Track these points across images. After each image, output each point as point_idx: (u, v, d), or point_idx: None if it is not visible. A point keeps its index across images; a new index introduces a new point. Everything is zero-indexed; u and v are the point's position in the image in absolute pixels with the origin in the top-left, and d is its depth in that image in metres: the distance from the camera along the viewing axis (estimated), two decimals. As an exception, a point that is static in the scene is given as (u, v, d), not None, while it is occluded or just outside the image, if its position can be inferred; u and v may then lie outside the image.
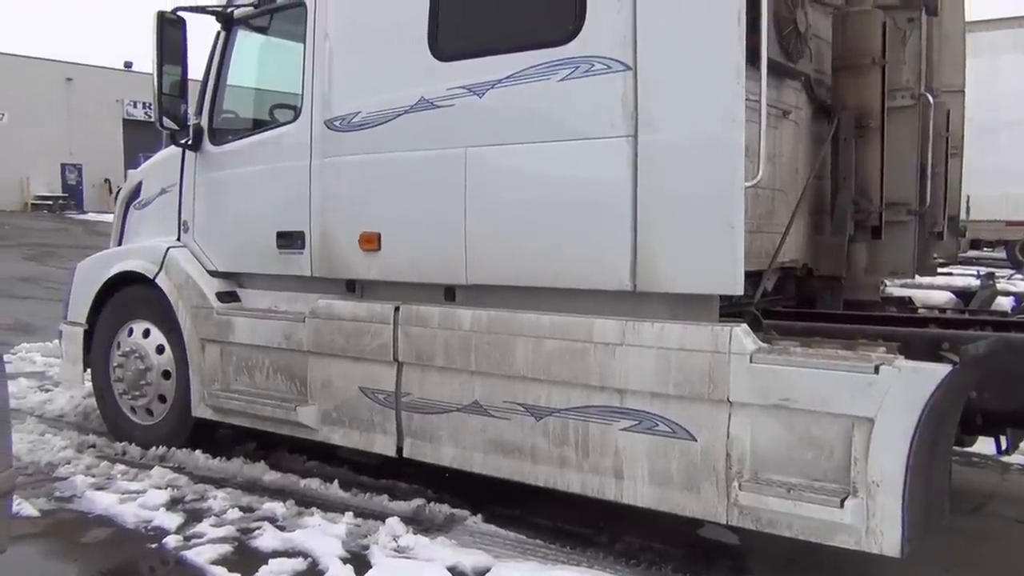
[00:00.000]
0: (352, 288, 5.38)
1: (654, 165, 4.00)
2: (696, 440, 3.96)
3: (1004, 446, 4.66)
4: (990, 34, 11.18)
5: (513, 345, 4.47)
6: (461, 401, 4.73)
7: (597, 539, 4.76)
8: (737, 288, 3.85)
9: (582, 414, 4.30)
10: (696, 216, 3.92)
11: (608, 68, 4.07)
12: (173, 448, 6.17)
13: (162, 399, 6.26)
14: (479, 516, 4.92)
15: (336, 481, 5.52)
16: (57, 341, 7.31)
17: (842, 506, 3.55)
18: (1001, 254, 22.25)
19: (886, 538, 3.53)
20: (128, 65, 40.74)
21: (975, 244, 16.81)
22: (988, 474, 6.10)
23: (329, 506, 5.14)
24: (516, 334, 4.47)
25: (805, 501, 3.64)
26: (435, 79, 4.70)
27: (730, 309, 4.18)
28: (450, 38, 4.70)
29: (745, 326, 3.89)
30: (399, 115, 4.83)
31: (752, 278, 4.16)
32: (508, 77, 4.39)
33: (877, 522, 3.53)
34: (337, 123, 5.14)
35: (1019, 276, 12.89)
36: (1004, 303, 8.42)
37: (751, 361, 3.78)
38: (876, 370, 3.51)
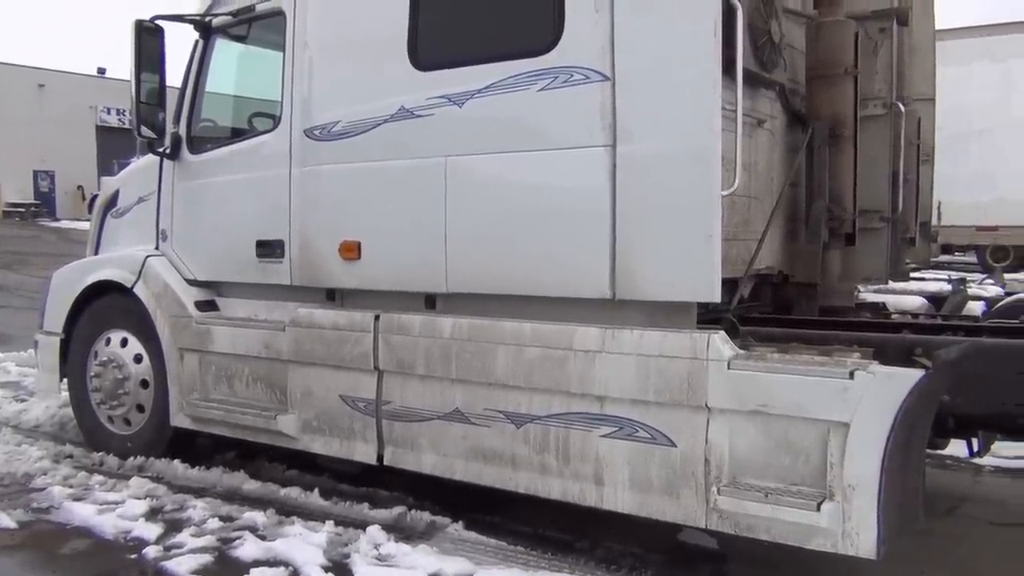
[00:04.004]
0: (332, 297, 5.39)
1: (632, 174, 4.05)
2: (676, 446, 4.00)
3: (976, 449, 4.75)
4: (959, 43, 11.36)
5: (494, 353, 4.50)
6: (442, 409, 4.75)
7: (578, 545, 4.79)
8: (715, 296, 3.91)
9: (563, 421, 4.33)
10: (674, 225, 3.97)
11: (587, 78, 4.11)
12: (151, 458, 6.14)
13: (140, 409, 6.22)
14: (460, 523, 4.93)
15: (316, 490, 5.52)
16: (32, 351, 7.25)
17: (819, 510, 3.60)
18: (972, 259, 22.60)
19: (862, 540, 3.58)
20: (101, 71, 40.41)
21: (946, 249, 17.03)
22: (961, 476, 6.20)
23: (310, 515, 5.13)
24: (497, 342, 4.50)
25: (783, 505, 3.69)
26: (415, 89, 4.72)
27: (707, 316, 4.23)
28: (430, 48, 4.73)
29: (723, 333, 3.94)
30: (379, 124, 4.86)
31: (728, 285, 4.21)
32: (488, 87, 4.43)
33: (853, 525, 3.59)
34: (317, 132, 5.16)
35: (990, 281, 13.09)
36: (975, 308, 8.56)
37: (729, 367, 3.83)
38: (851, 375, 3.57)
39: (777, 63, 5.05)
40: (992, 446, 4.84)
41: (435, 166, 4.66)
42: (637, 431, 4.11)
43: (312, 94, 5.22)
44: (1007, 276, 14.29)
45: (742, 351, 3.93)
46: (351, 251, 5.05)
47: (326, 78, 5.19)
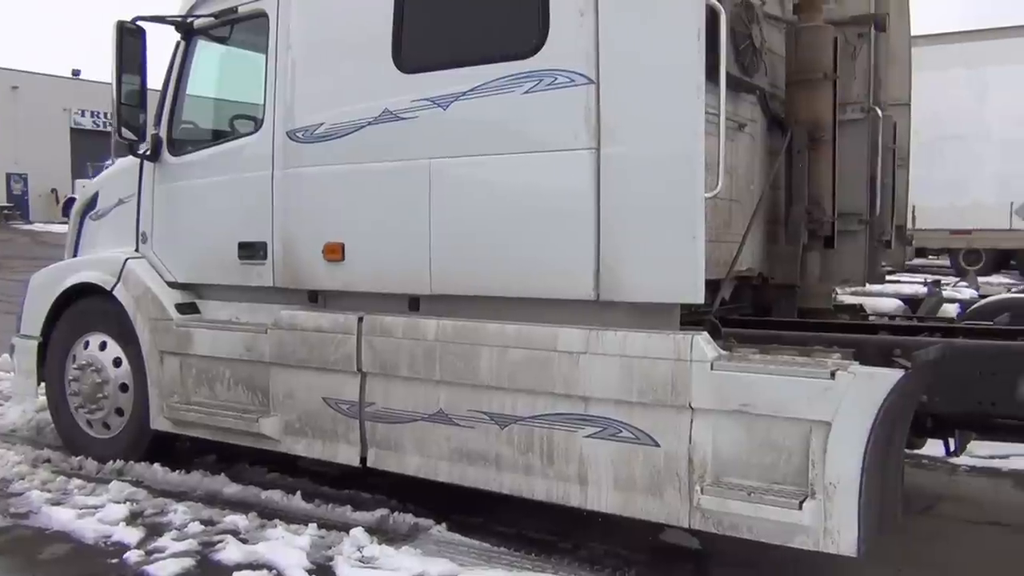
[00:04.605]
0: (315, 299, 5.38)
1: (616, 177, 4.08)
2: (659, 446, 4.03)
3: (952, 448, 4.83)
4: (935, 49, 11.52)
5: (478, 354, 4.51)
6: (426, 410, 4.76)
7: (561, 545, 4.81)
8: (699, 297, 3.95)
9: (547, 422, 4.35)
10: (658, 227, 4.01)
11: (571, 81, 4.14)
12: (131, 462, 6.09)
13: (119, 412, 6.18)
14: (444, 525, 4.93)
15: (298, 492, 5.50)
16: (8, 355, 7.17)
17: (801, 508, 3.64)
18: (945, 262, 22.88)
19: (843, 538, 3.63)
20: (76, 73, 40.06)
21: (920, 252, 17.23)
22: (937, 475, 6.28)
23: (292, 518, 5.12)
24: (481, 343, 4.51)
25: (765, 504, 3.73)
26: (399, 91, 4.73)
27: (689, 317, 4.27)
28: (414, 51, 4.74)
29: (706, 334, 3.98)
30: (363, 127, 4.86)
31: (710, 287, 4.25)
32: (472, 89, 4.45)
33: (834, 523, 3.63)
34: (300, 134, 5.15)
35: (963, 283, 13.28)
36: (950, 310, 8.69)
37: (712, 368, 3.87)
38: (832, 376, 3.62)
39: (758, 68, 5.11)
40: (968, 445, 4.92)
41: (419, 168, 4.67)
42: (621, 431, 4.13)
43: (295, 96, 5.21)
44: (980, 279, 14.51)
45: (725, 352, 3.98)
46: (335, 253, 5.05)
47: (309, 80, 5.18)
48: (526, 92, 4.28)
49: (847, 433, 3.58)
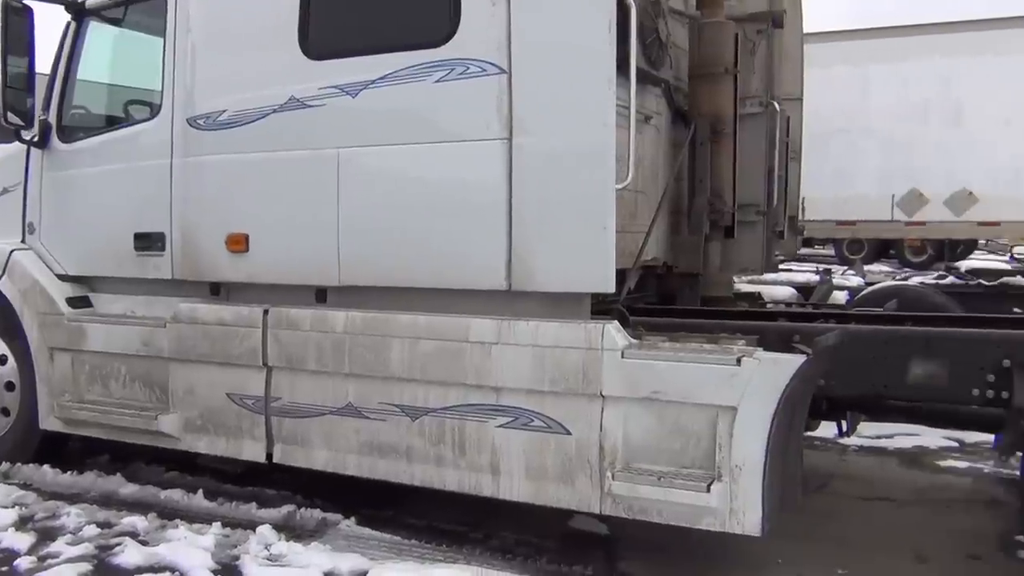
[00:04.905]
0: (216, 291, 5.22)
1: (528, 167, 4.09)
2: (571, 434, 4.08)
3: (844, 429, 5.05)
4: (822, 46, 11.96)
5: (388, 346, 4.47)
6: (335, 404, 4.69)
7: (473, 536, 4.83)
8: (609, 286, 4.00)
9: (458, 413, 4.35)
10: (569, 217, 4.04)
11: (483, 71, 4.13)
12: (18, 464, 5.82)
13: (5, 412, 5.89)
14: (352, 519, 4.88)
15: (200, 491, 5.35)
16: None
17: (708, 491, 3.74)
18: (830, 251, 23.86)
19: (748, 519, 3.75)
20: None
21: (807, 242, 17.94)
22: (830, 456, 6.56)
23: (194, 517, 4.98)
24: (392, 335, 4.47)
25: (675, 488, 3.83)
26: (306, 78, 4.62)
27: (598, 307, 4.32)
28: (322, 36, 4.63)
29: (616, 323, 4.04)
30: (268, 114, 4.73)
31: (617, 276, 4.30)
32: (383, 78, 4.38)
33: (740, 504, 3.75)
34: (201, 121, 4.98)
35: (851, 272, 13.89)
36: (839, 297, 9.09)
37: (623, 356, 3.93)
38: (739, 362, 3.73)
39: (664, 61, 5.21)
40: (859, 426, 5.15)
41: (328, 158, 4.57)
42: (533, 421, 4.17)
43: (196, 82, 5.03)
44: (865, 267, 15.20)
45: (635, 340, 4.05)
46: (238, 244, 4.91)
47: (211, 65, 5.01)
48: (437, 81, 4.25)
49: (752, 417, 3.70)
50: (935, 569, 4.47)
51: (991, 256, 23.84)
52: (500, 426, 4.25)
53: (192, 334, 5.06)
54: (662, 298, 5.84)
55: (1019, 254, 23.39)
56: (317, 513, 4.99)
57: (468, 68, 4.17)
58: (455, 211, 4.31)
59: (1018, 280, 10.75)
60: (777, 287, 8.76)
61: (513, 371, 4.18)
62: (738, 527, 3.78)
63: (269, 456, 4.94)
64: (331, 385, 4.70)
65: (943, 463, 6.50)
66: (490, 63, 4.12)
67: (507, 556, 4.56)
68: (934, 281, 11.29)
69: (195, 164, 5.04)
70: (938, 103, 15.00)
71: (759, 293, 7.38)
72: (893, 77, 15.05)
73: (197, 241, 5.09)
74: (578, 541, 4.81)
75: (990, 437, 5.04)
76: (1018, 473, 4.68)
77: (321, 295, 4.88)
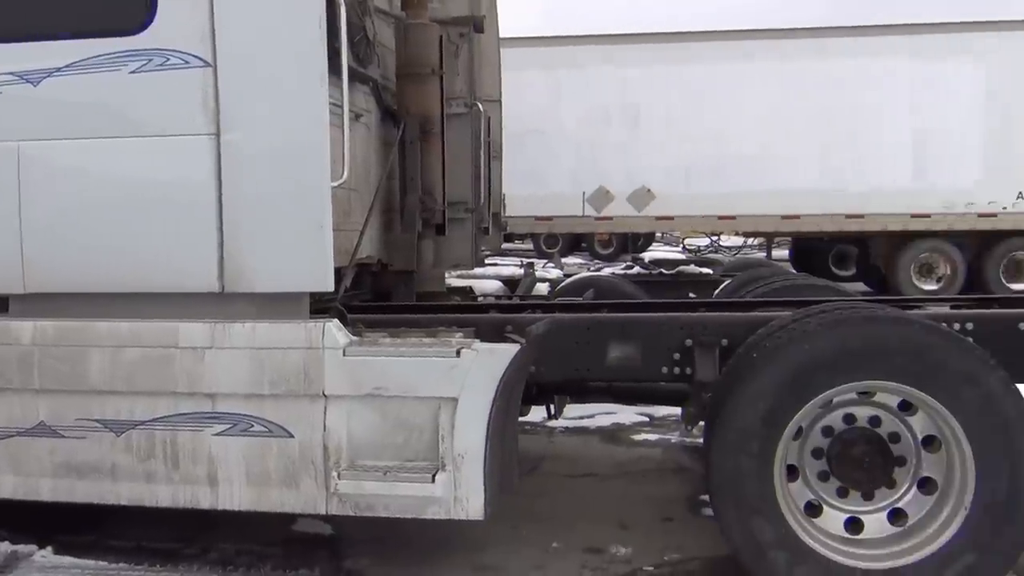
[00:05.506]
0: None
1: (239, 165, 3.94)
2: (293, 436, 4.00)
3: (552, 412, 5.40)
4: (518, 51, 12.56)
5: (87, 357, 4.11)
6: (22, 424, 4.23)
7: (188, 552, 4.61)
8: (328, 285, 3.97)
9: (170, 424, 4.10)
10: (284, 216, 3.95)
11: (186, 63, 3.92)
12: None
13: None
14: (49, 549, 4.49)
15: None
16: None
17: (433, 481, 3.84)
18: (529, 246, 25.22)
19: (471, 505, 3.89)
20: None
21: (509, 237, 18.81)
22: (539, 439, 6.97)
23: None
24: (89, 345, 4.12)
25: (400, 481, 3.88)
26: (-22, 62, 4.12)
27: (315, 306, 4.27)
28: None
29: (337, 321, 4.02)
30: (-71, 101, 4.16)
31: (334, 275, 4.30)
32: (70, 66, 4.00)
33: (463, 491, 3.88)
34: None
35: (551, 265, 14.80)
36: (542, 288, 9.66)
37: (345, 354, 3.92)
38: (458, 354, 3.86)
39: (371, 59, 5.25)
40: (565, 409, 5.53)
41: (6, 152, 4.09)
42: (253, 426, 4.04)
43: None
44: (562, 260, 16.23)
45: (356, 338, 4.05)
46: None
47: None
48: (133, 72, 3.96)
49: (472, 407, 3.84)
50: (636, 534, 4.90)
51: (667, 247, 26.48)
52: (217, 434, 4.07)
53: None
54: (378, 296, 5.88)
55: (690, 245, 26.17)
56: (6, 546, 4.52)
57: (168, 59, 3.93)
58: (160, 210, 4.05)
59: (691, 268, 12.03)
60: (486, 281, 9.13)
61: (229, 376, 4.02)
62: (462, 513, 3.91)
63: (-58, 489, 4.36)
64: (18, 403, 4.23)
65: (637, 437, 7.15)
66: (193, 55, 3.91)
67: (228, 568, 4.42)
68: (623, 271, 12.37)
69: None
70: (618, 108, 16.31)
71: (470, 287, 7.66)
72: (580, 82, 16.17)
73: None
74: (303, 544, 4.74)
75: (677, 410, 5.62)
76: (701, 441, 5.24)
77: (2, 304, 4.38)
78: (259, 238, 4.00)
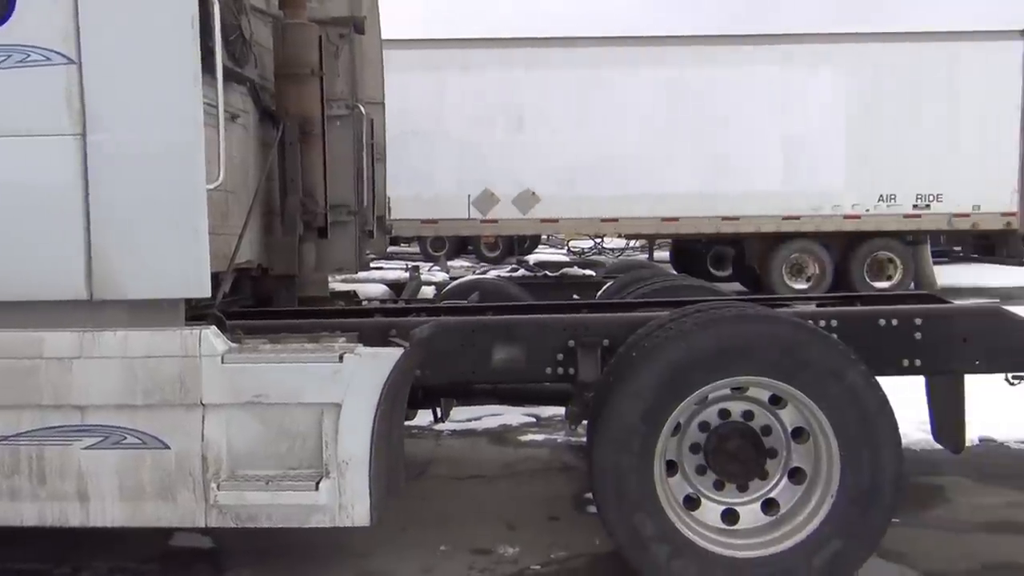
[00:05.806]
0: None
1: (108, 167, 3.78)
2: (169, 448, 3.86)
3: (439, 415, 5.40)
4: (402, 53, 12.51)
5: (-61, 370, 3.87)
6: None
7: (58, 572, 4.40)
8: (204, 291, 3.85)
9: (35, 438, 3.89)
10: (157, 220, 3.81)
11: (48, 60, 3.73)
12: None
13: None
14: None
15: None
16: None
17: (317, 488, 3.77)
18: (416, 249, 25.12)
19: (356, 511, 3.84)
20: None
21: (395, 241, 18.70)
22: (426, 442, 6.96)
23: None
24: (-58, 357, 3.87)
25: (283, 490, 3.80)
26: None
27: (191, 312, 4.14)
28: None
29: (215, 328, 3.91)
30: None
31: (211, 280, 4.18)
32: (-86, 59, 3.76)
33: (348, 498, 3.83)
34: None
35: (436, 268, 14.76)
36: (428, 291, 9.63)
37: (223, 362, 3.81)
38: (341, 359, 3.80)
39: (248, 59, 5.13)
40: (451, 412, 5.53)
41: None
42: (125, 438, 3.87)
43: None
44: (448, 263, 16.22)
45: (235, 345, 3.94)
46: None
47: None
48: (-9, 69, 3.75)
49: (356, 412, 3.79)
50: (523, 534, 4.95)
51: (552, 250, 26.83)
52: (87, 448, 3.88)
53: None
54: (258, 301, 5.75)
55: (574, 248, 26.58)
56: None
57: (28, 56, 3.73)
58: (23, 213, 3.83)
59: (575, 270, 12.22)
60: (371, 285, 9.03)
61: (100, 387, 3.84)
62: (348, 520, 3.86)
63: None
64: None
65: (524, 438, 7.21)
66: (55, 52, 3.72)
67: (101, 588, 4.22)
68: (508, 274, 12.44)
69: None
70: (503, 111, 16.45)
71: (354, 292, 7.57)
72: (465, 85, 16.23)
73: None
74: (181, 559, 4.60)
75: (561, 410, 5.69)
76: (584, 440, 5.33)
77: None
78: (130, 243, 3.84)
